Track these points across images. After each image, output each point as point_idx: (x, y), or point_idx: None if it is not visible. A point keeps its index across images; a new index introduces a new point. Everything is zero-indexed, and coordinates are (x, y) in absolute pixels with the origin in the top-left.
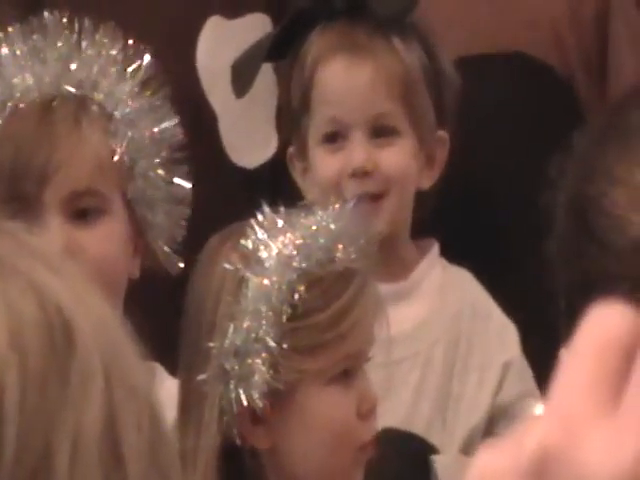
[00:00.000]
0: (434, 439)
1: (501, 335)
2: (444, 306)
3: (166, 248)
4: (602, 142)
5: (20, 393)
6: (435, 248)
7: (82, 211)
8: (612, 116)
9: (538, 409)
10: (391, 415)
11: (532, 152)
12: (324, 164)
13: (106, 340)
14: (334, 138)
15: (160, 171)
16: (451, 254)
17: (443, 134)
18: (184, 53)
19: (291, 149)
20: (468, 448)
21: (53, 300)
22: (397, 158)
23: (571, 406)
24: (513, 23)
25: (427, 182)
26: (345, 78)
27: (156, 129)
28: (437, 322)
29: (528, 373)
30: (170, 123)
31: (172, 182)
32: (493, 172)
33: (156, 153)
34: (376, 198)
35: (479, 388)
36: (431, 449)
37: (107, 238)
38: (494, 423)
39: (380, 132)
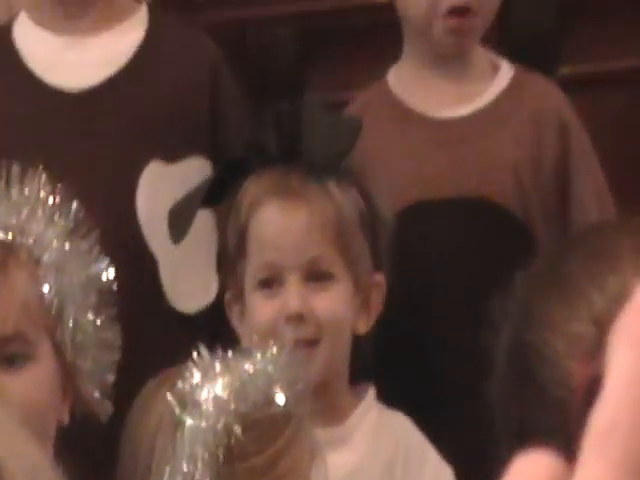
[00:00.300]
0: None
1: (436, 479)
2: (378, 453)
3: (96, 393)
4: (542, 289)
5: None
6: (371, 392)
7: (9, 358)
8: (553, 263)
9: None
10: None
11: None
12: (260, 309)
13: None
14: (269, 283)
15: (89, 316)
16: (391, 398)
17: (379, 278)
18: (126, 197)
19: (228, 294)
20: None
21: None
22: (332, 303)
23: None
24: (476, 170)
25: (363, 327)
26: (279, 223)
27: (85, 273)
28: (371, 469)
29: None
30: (100, 267)
31: (101, 327)
32: (446, 315)
33: (85, 298)
34: (311, 344)
35: None
36: None
37: (34, 385)
38: None
39: (315, 276)
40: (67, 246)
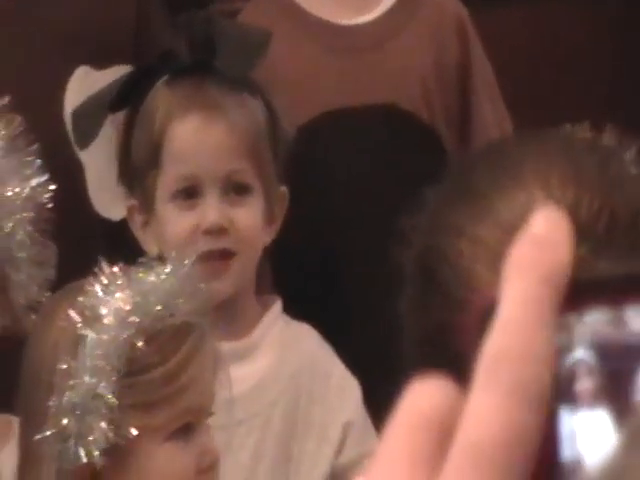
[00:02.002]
0: None
1: (342, 394)
2: (283, 365)
3: (27, 308)
4: (451, 199)
5: None
6: (277, 304)
7: None
8: (461, 175)
9: None
10: (230, 479)
11: (395, 204)
12: (176, 221)
13: None
14: (186, 195)
15: (27, 229)
16: (300, 309)
17: (283, 189)
18: (53, 103)
19: (132, 202)
20: None
21: None
22: (250, 217)
23: None
24: (381, 77)
25: (268, 238)
26: (199, 136)
27: (25, 186)
28: (276, 382)
29: (370, 433)
30: (39, 180)
31: (38, 242)
32: (354, 220)
33: (23, 211)
34: (226, 256)
35: (319, 449)
36: None
37: None
38: None
39: (233, 189)
40: (7, 159)
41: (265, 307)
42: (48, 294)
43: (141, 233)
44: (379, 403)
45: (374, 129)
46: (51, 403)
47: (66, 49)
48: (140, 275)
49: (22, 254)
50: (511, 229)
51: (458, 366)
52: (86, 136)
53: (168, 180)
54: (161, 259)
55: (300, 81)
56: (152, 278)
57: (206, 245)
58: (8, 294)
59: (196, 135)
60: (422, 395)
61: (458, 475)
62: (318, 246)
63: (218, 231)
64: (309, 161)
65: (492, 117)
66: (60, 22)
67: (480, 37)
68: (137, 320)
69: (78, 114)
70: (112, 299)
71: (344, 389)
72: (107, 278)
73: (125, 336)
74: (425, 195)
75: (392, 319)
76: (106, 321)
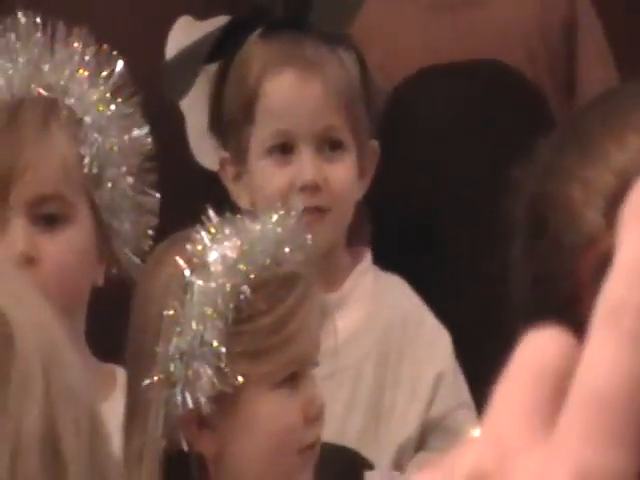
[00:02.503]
0: (366, 453)
1: (433, 345)
2: (374, 317)
3: (132, 256)
4: (562, 145)
5: None
6: (367, 256)
7: (47, 217)
8: (572, 122)
9: (475, 431)
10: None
11: (498, 159)
12: (271, 176)
13: (46, 341)
14: (282, 150)
15: (129, 180)
16: (395, 262)
17: (374, 144)
18: (155, 53)
19: (224, 154)
20: (400, 462)
21: None
22: (345, 174)
23: (505, 433)
24: (485, 36)
25: (359, 193)
26: (295, 92)
27: (126, 137)
28: (367, 334)
29: (462, 384)
30: (140, 132)
31: (140, 191)
32: (458, 176)
33: (125, 161)
34: (321, 212)
35: (410, 401)
36: (364, 463)
37: (69, 247)
38: (427, 437)
39: (328, 145)
40: (109, 108)
41: (355, 259)
42: (151, 243)
43: (233, 186)
44: (472, 360)
45: (474, 85)
46: (158, 349)
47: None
48: (247, 224)
49: (124, 203)
50: (624, 173)
51: (569, 314)
52: (179, 87)
53: (263, 135)
54: (264, 211)
55: (397, 38)
56: (259, 227)
57: (300, 202)
58: (112, 243)
59: (293, 91)
60: (537, 345)
61: (577, 422)
62: (414, 200)
63: (313, 188)
64: (405, 116)
65: (600, 77)
66: None
67: None
68: (244, 268)
69: (172, 65)
70: (219, 247)
71: (435, 340)
72: (214, 227)
73: (232, 284)
74: (537, 146)
75: (491, 276)
76: (213, 269)
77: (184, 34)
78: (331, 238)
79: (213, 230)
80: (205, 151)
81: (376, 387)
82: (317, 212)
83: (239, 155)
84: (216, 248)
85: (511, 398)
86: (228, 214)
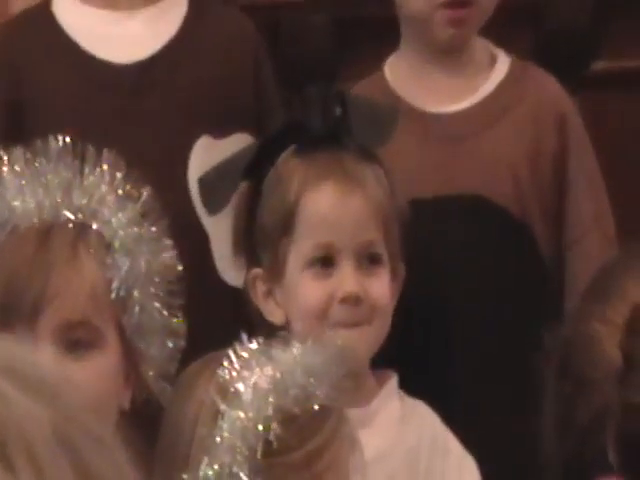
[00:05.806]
0: None
1: (460, 469)
2: (402, 439)
3: (159, 380)
4: (586, 296)
5: None
6: (394, 379)
7: (75, 342)
8: (598, 277)
9: None
10: None
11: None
12: (311, 289)
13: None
14: (323, 264)
15: (156, 303)
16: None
17: (402, 266)
18: (177, 172)
19: (256, 271)
20: None
21: None
22: (383, 286)
23: None
24: (473, 168)
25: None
26: (337, 205)
27: (154, 260)
28: (395, 455)
29: None
30: (168, 255)
31: (168, 314)
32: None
33: (153, 284)
34: (359, 326)
35: None
36: None
37: (98, 374)
38: None
39: (368, 259)
40: (137, 232)
41: (380, 381)
42: (178, 365)
43: (264, 302)
44: None
45: (461, 220)
46: (185, 476)
47: (186, 118)
48: (280, 352)
49: (152, 326)
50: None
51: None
52: (218, 202)
53: (304, 248)
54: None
55: (396, 167)
56: (291, 356)
57: (340, 315)
58: (139, 367)
59: (334, 204)
60: None
61: None
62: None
63: (354, 300)
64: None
65: (589, 212)
66: (185, 90)
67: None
68: (276, 401)
69: (207, 181)
70: (251, 375)
71: (462, 464)
72: (247, 351)
73: (264, 418)
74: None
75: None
76: (245, 398)
77: (206, 153)
78: (370, 353)
79: (245, 355)
80: (229, 268)
81: None
82: (355, 326)
83: (275, 269)
84: (248, 376)
85: None
86: (260, 339)
